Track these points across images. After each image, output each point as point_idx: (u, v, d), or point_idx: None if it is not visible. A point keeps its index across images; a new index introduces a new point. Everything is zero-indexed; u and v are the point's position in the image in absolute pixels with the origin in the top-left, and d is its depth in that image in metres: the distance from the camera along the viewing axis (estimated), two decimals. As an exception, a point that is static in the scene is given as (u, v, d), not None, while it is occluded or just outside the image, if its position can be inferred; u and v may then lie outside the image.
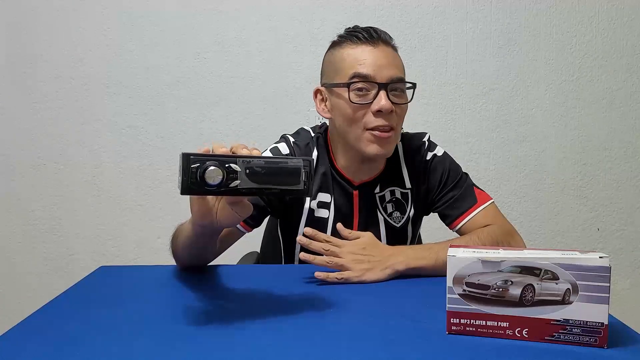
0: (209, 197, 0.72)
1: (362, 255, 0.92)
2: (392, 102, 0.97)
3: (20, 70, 1.89)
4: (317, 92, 1.07)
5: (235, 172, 0.67)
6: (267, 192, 0.70)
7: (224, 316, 0.75)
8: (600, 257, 0.61)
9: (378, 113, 0.97)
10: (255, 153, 0.70)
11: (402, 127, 1.08)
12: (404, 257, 0.93)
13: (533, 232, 1.93)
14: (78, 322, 0.73)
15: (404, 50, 1.90)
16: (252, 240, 1.32)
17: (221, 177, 0.66)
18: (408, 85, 1.03)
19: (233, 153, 0.69)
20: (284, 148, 1.09)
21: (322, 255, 0.92)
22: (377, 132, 0.98)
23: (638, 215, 1.93)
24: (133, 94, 1.89)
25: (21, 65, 1.89)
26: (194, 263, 0.98)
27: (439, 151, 1.12)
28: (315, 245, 0.93)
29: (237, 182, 0.67)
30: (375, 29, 1.02)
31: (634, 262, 1.95)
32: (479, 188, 1.11)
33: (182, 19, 1.86)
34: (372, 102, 0.98)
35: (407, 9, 1.84)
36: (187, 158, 0.65)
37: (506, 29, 1.86)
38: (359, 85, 0.98)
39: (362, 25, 1.05)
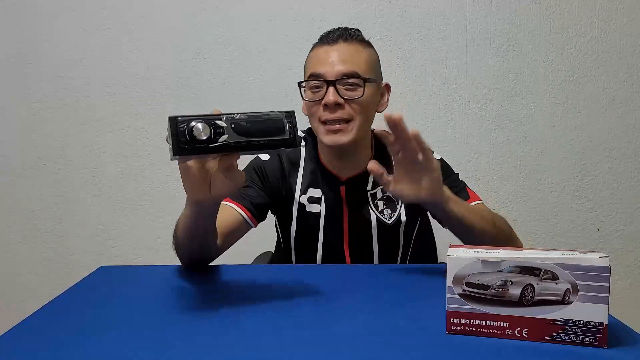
0: (200, 169, 0.72)
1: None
2: (343, 97, 1.04)
3: (20, 70, 1.89)
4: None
5: (222, 127, 0.69)
6: (255, 145, 0.71)
7: (224, 316, 0.75)
8: (600, 257, 0.61)
9: (325, 107, 1.05)
10: None
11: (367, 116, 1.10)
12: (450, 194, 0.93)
13: (533, 232, 1.92)
14: (78, 322, 0.73)
15: (404, 50, 1.93)
16: (267, 240, 1.33)
17: (209, 132, 0.68)
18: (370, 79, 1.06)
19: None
20: (265, 156, 1.16)
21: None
22: (328, 125, 1.05)
23: (638, 215, 1.93)
24: (133, 94, 1.89)
25: (21, 65, 1.89)
26: (197, 257, 0.96)
27: (435, 156, 1.14)
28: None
29: (225, 136, 0.69)
30: (343, 29, 1.09)
31: (634, 262, 1.95)
32: (470, 189, 1.13)
33: (182, 19, 1.86)
34: (323, 97, 1.05)
35: (407, 9, 1.83)
36: (174, 120, 0.68)
37: (506, 29, 1.85)
38: (315, 83, 1.06)
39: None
